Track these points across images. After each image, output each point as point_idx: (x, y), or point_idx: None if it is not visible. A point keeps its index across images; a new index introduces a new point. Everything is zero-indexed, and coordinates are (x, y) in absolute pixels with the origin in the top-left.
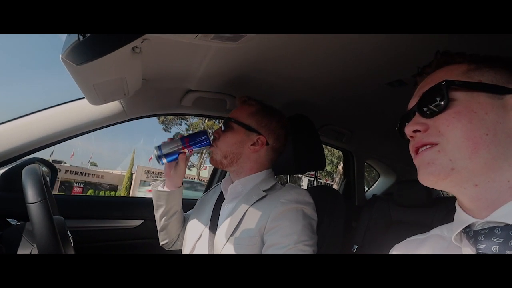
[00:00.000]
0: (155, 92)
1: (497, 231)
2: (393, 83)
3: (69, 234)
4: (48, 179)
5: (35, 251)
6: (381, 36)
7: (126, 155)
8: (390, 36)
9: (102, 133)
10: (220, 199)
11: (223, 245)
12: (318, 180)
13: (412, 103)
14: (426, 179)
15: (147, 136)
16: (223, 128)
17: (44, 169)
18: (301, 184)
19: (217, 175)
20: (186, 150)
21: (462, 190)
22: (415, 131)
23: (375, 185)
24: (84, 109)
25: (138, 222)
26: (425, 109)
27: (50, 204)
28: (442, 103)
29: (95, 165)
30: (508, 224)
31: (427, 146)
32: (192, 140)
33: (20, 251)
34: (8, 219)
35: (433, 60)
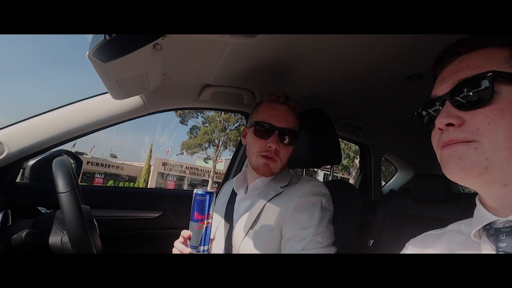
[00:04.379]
0: (174, 86)
1: None
2: (412, 76)
3: (95, 222)
4: (75, 169)
5: (65, 237)
6: None
7: (144, 148)
8: None
9: (121, 126)
10: (233, 196)
11: (242, 239)
12: (334, 174)
13: (442, 89)
14: (456, 173)
15: (165, 128)
16: (286, 140)
17: (71, 160)
18: (317, 178)
19: (233, 170)
20: (209, 220)
21: (489, 189)
22: (449, 124)
23: (392, 180)
24: (107, 104)
25: (157, 213)
26: (460, 99)
27: (78, 194)
28: (485, 96)
29: (115, 157)
30: None
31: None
32: (201, 209)
33: (51, 237)
34: (38, 207)
35: (469, 39)
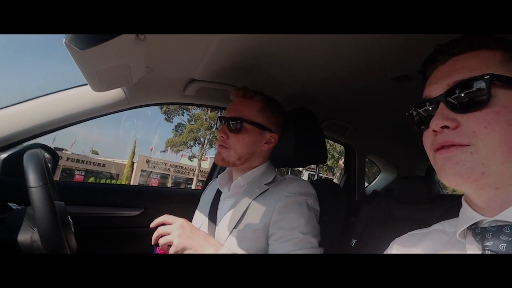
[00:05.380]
0: (158, 80)
1: (506, 229)
2: (398, 78)
3: (70, 219)
4: (49, 165)
5: (35, 235)
6: None
7: (127, 144)
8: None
9: (103, 122)
10: (218, 195)
11: (226, 238)
12: (319, 174)
13: (436, 90)
14: (452, 179)
15: (149, 125)
16: (233, 127)
17: (46, 155)
18: (302, 177)
19: (217, 169)
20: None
21: (481, 193)
22: (444, 126)
23: (375, 180)
24: (86, 96)
25: (138, 211)
26: (456, 102)
27: (51, 189)
28: (482, 99)
29: (97, 153)
30: None
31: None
32: None
33: (20, 235)
34: (9, 204)
35: (464, 39)
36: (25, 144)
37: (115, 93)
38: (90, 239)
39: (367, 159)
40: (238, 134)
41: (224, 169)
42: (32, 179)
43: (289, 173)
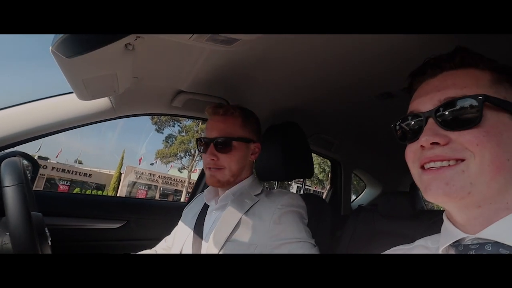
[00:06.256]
0: (146, 90)
1: (488, 247)
2: (382, 95)
3: (47, 231)
4: (29, 174)
5: (6, 238)
6: (371, 49)
7: (114, 155)
8: (379, 49)
9: (90, 131)
10: (205, 209)
11: (218, 251)
12: (306, 187)
13: (425, 105)
14: (439, 198)
15: (138, 136)
16: (222, 147)
17: (26, 163)
18: (291, 190)
19: (202, 183)
20: None
21: (464, 211)
22: (434, 143)
23: (361, 195)
24: (71, 104)
25: (120, 223)
26: (446, 118)
27: (29, 199)
28: (474, 118)
29: (81, 163)
30: (498, 242)
31: (450, 163)
32: None
33: None
34: None
35: (456, 55)
36: (5, 151)
37: (101, 102)
38: (67, 252)
39: (353, 174)
40: (228, 154)
41: None
42: (7, 179)
43: (276, 187)
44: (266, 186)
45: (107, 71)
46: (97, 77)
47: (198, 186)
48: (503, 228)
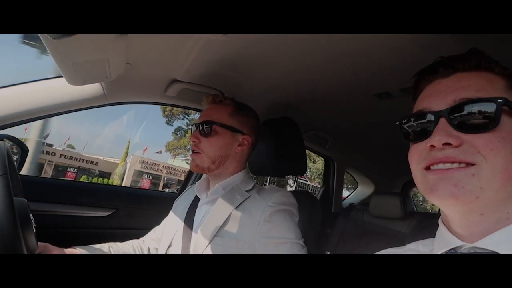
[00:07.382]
0: (139, 78)
1: None
2: (381, 95)
3: (32, 217)
4: (16, 157)
5: None
6: (368, 48)
7: (120, 143)
8: (379, 49)
9: (98, 119)
10: (195, 201)
11: (206, 246)
12: (299, 181)
13: (437, 104)
14: (446, 200)
15: (146, 124)
16: (204, 131)
17: (11, 145)
18: (290, 184)
19: (193, 176)
20: None
21: (466, 216)
22: (446, 143)
23: (352, 194)
24: (61, 89)
25: (109, 211)
26: (460, 120)
27: (14, 184)
28: (491, 122)
29: (73, 148)
30: (495, 253)
31: (461, 165)
32: None
33: None
34: None
35: (472, 57)
36: None
37: (92, 88)
38: (54, 240)
39: (345, 172)
40: (209, 138)
41: (201, 175)
42: None
43: (268, 183)
44: (264, 182)
45: (98, 56)
46: (88, 62)
47: (189, 178)
48: (503, 238)
